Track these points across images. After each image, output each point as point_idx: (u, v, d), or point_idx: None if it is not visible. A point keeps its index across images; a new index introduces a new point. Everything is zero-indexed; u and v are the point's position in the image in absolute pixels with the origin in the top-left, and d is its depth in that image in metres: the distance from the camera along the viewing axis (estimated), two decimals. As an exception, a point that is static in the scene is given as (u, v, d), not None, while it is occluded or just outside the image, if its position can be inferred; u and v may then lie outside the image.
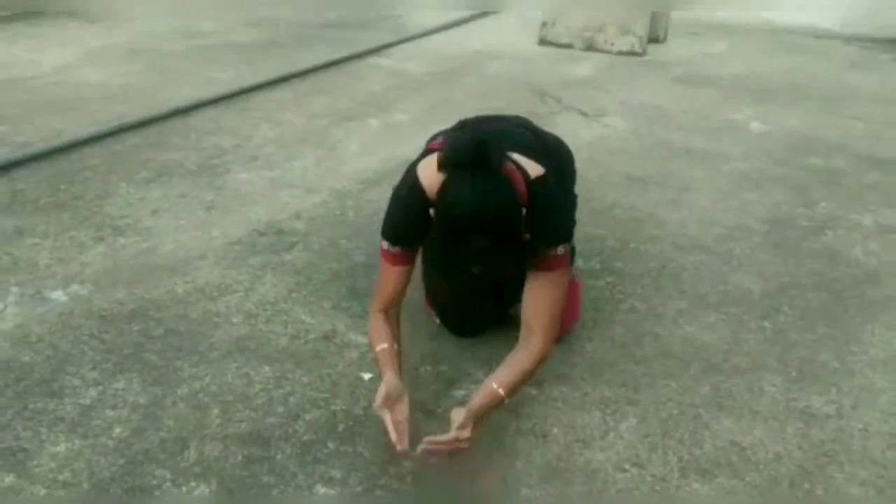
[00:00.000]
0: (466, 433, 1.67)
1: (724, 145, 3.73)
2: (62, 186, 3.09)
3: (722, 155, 3.61)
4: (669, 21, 5.72)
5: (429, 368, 2.06)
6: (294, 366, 2.06)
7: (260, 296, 2.38)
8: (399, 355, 1.86)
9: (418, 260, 1.99)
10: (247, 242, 2.71)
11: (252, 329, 2.21)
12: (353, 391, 1.97)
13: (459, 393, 1.97)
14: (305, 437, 1.80)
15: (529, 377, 1.82)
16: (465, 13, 6.03)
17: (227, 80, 4.48)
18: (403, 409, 1.74)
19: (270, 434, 1.81)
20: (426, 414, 1.89)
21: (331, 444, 1.79)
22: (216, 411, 1.87)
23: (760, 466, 1.77)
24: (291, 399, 1.93)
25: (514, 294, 2.02)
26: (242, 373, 2.02)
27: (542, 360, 1.82)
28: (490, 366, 2.01)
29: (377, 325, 1.89)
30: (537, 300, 1.82)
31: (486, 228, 1.61)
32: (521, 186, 1.73)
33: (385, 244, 1.90)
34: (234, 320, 2.25)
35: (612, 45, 5.19)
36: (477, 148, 1.63)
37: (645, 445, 1.82)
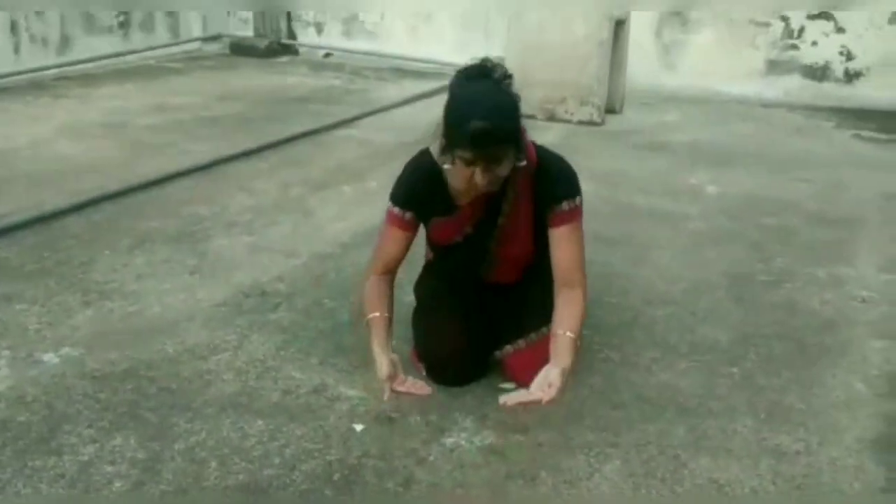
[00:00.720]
0: (558, 389, 1.87)
1: (684, 206, 3.93)
2: (46, 254, 3.14)
3: (682, 215, 3.81)
4: (625, 92, 6.03)
5: (418, 418, 2.13)
6: (287, 419, 2.11)
7: (249, 354, 2.44)
8: (390, 323, 2.10)
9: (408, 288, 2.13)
10: (232, 304, 2.78)
11: (244, 385, 2.27)
12: (346, 441, 2.03)
13: (449, 440, 2.04)
14: (303, 487, 1.86)
15: (583, 317, 2.08)
16: (434, 85, 6.27)
17: (202, 151, 4.59)
18: (401, 373, 2.00)
19: (268, 484, 1.86)
20: (418, 461, 1.96)
21: (328, 492, 1.84)
22: (214, 464, 1.92)
23: (738, 501, 1.86)
24: (287, 451, 1.98)
25: (510, 319, 2.24)
26: (237, 427, 2.07)
27: (582, 302, 2.08)
28: (478, 413, 2.10)
29: (373, 289, 2.11)
30: (565, 251, 2.08)
31: (487, 113, 1.84)
32: (531, 147, 2.05)
33: (395, 209, 2.10)
34: (226, 377, 2.31)
35: (571, 115, 5.45)
36: (481, 62, 1.94)
37: (629, 485, 1.91)
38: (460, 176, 1.96)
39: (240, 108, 5.85)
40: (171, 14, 8.10)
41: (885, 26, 6.17)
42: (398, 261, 2.17)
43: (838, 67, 6.42)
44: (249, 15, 8.48)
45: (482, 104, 1.87)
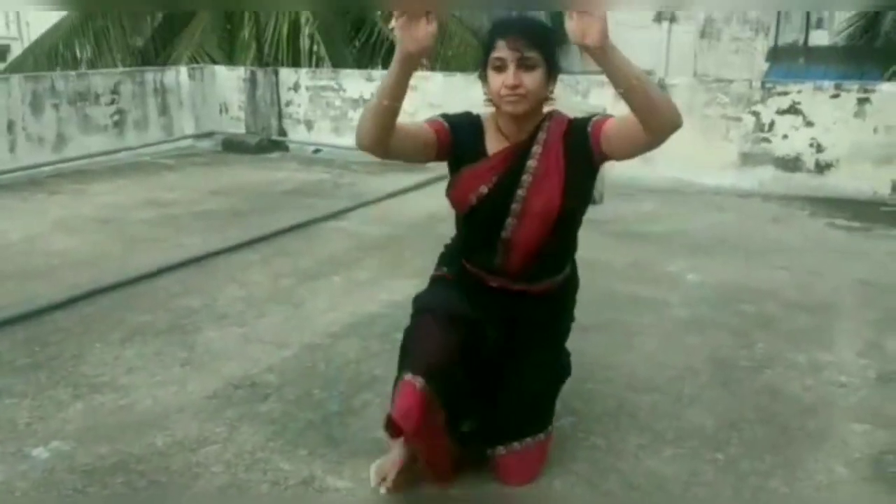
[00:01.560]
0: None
1: (664, 294, 4.02)
2: (37, 348, 3.18)
3: (663, 302, 3.89)
4: (604, 184, 6.21)
5: (407, 508, 2.15)
6: (277, 511, 2.13)
7: (238, 446, 2.46)
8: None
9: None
10: (222, 396, 2.81)
11: (233, 478, 2.28)
12: (337, 533, 2.04)
13: (439, 530, 2.06)
14: (293, 579, 1.86)
15: (664, 98, 1.88)
16: (420, 178, 6.44)
17: (194, 245, 4.68)
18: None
19: (258, 577, 1.86)
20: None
21: (318, 584, 1.84)
22: (203, 557, 1.92)
23: (726, 587, 1.88)
24: (277, 543, 1.99)
25: (508, 411, 2.18)
26: (227, 520, 2.08)
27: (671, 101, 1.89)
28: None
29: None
30: (625, 120, 1.95)
31: (519, 18, 2.01)
32: (563, 121, 2.13)
33: (438, 117, 2.16)
34: (215, 469, 2.32)
35: (555, 206, 5.60)
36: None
37: (618, 572, 1.92)
38: (495, 83, 2.01)
39: (231, 203, 5.98)
40: (165, 113, 8.35)
41: (851, 120, 6.44)
42: (405, 133, 2.05)
43: (809, 159, 6.66)
44: (241, 113, 8.75)
45: (516, 16, 2.08)
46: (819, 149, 6.62)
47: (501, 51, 1.98)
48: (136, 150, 7.86)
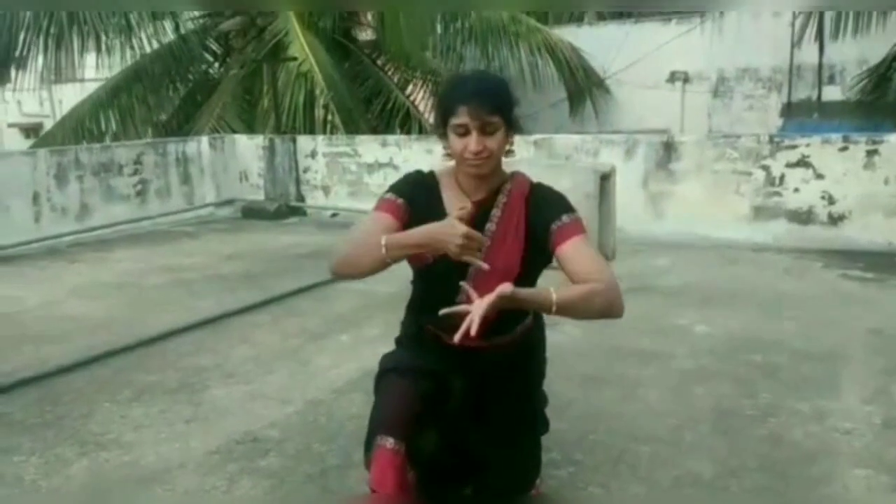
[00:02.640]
0: (505, 293, 1.74)
1: (671, 346, 4.01)
2: (48, 408, 3.25)
3: (669, 354, 3.89)
4: (616, 241, 6.26)
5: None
6: (269, 562, 2.14)
7: (236, 499, 2.49)
8: None
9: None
10: (224, 451, 2.84)
11: (229, 530, 2.31)
12: (327, 582, 2.04)
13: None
14: None
15: (587, 299, 1.85)
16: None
17: (207, 307, 4.77)
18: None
19: None
20: None
21: None
22: None
23: None
24: (267, 593, 2.00)
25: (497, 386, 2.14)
26: (219, 570, 2.09)
27: (600, 292, 1.86)
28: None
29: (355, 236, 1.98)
30: (579, 262, 1.92)
31: (478, 81, 1.99)
32: (524, 176, 2.10)
33: (388, 195, 2.06)
34: (212, 522, 2.35)
35: (564, 263, 5.64)
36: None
37: None
38: (458, 147, 1.97)
39: (246, 266, 6.10)
40: (187, 182, 8.59)
41: (861, 171, 6.46)
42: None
43: (822, 211, 6.66)
44: (261, 180, 8.98)
45: (473, 77, 2.05)
46: (831, 201, 6.63)
47: (463, 117, 1.94)
48: (157, 218, 8.07)
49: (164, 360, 3.87)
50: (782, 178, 6.78)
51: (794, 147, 6.74)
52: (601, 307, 1.88)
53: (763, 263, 6.07)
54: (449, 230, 1.79)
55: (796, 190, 6.75)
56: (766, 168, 6.84)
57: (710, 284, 5.39)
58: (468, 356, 2.15)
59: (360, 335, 4.23)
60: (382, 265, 1.90)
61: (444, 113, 2.01)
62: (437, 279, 2.06)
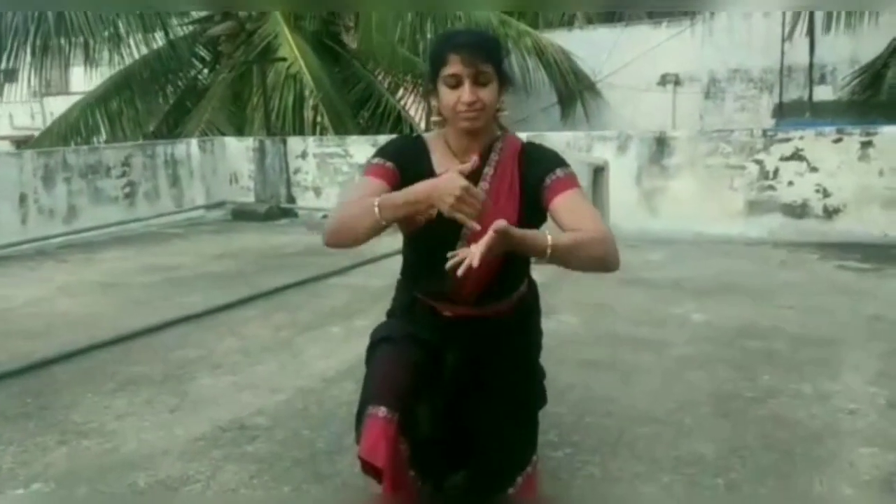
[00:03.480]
0: (500, 228, 1.61)
1: (668, 334, 3.94)
2: (29, 399, 3.15)
3: (667, 342, 3.81)
4: (610, 235, 6.19)
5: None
6: (255, 544, 2.05)
7: (221, 485, 2.40)
8: None
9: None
10: (209, 438, 2.75)
11: (213, 514, 2.22)
12: (315, 563, 1.96)
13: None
14: None
15: (584, 245, 1.76)
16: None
17: (195, 303, 4.68)
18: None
19: None
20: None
21: None
22: (175, 590, 1.85)
23: None
24: (252, 574, 1.91)
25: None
26: (203, 553, 2.00)
27: (598, 240, 1.78)
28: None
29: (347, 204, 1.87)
30: (574, 214, 1.85)
31: (468, 31, 1.96)
32: (517, 141, 2.02)
33: (375, 160, 1.96)
34: (196, 507, 2.25)
35: (558, 257, 5.57)
36: None
37: None
38: (449, 99, 1.89)
39: (236, 265, 6.01)
40: (176, 185, 8.50)
41: (855, 163, 6.41)
42: None
43: (817, 205, 6.61)
44: (251, 182, 8.89)
45: (463, 30, 2.07)
46: (826, 194, 6.58)
47: (455, 66, 1.87)
48: (145, 220, 7.97)
49: (149, 353, 3.78)
50: (776, 171, 6.74)
51: (787, 140, 6.70)
52: (597, 256, 1.80)
53: (758, 256, 6.01)
54: (448, 183, 1.69)
55: (790, 183, 6.70)
56: (759, 162, 6.79)
57: (705, 277, 5.33)
58: (463, 325, 2.09)
59: (352, 327, 4.14)
60: (377, 229, 1.80)
61: (435, 65, 1.93)
62: (429, 245, 1.96)
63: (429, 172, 1.96)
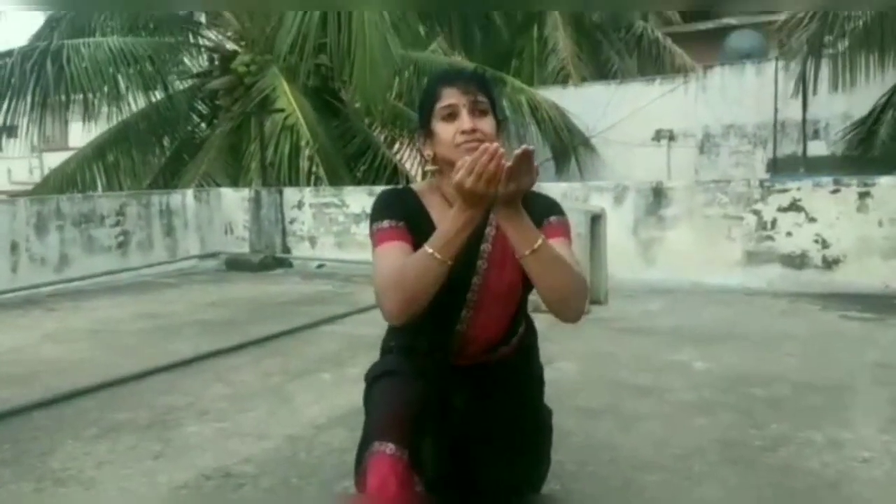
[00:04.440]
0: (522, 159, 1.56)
1: (670, 381, 3.83)
2: (7, 446, 3.01)
3: (668, 389, 3.69)
4: (608, 284, 6.11)
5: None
6: None
7: (204, 534, 2.26)
8: None
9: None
10: (193, 486, 2.62)
11: (194, 565, 2.08)
12: None
13: None
14: None
15: (564, 270, 1.69)
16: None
17: (185, 350, 4.55)
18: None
19: None
20: None
21: None
22: None
23: None
24: None
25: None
26: None
27: (575, 279, 1.70)
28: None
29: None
30: None
31: (469, 71, 1.87)
32: None
33: (384, 223, 1.82)
34: (175, 557, 2.11)
35: (556, 305, 5.48)
36: None
37: None
38: (447, 133, 1.80)
39: (227, 313, 5.90)
40: (170, 234, 8.43)
41: (854, 214, 6.39)
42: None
43: (816, 255, 6.56)
44: (246, 233, 8.83)
45: (455, 67, 1.95)
46: (825, 245, 6.54)
47: (450, 97, 1.80)
48: (138, 270, 7.87)
49: (134, 400, 3.64)
50: (774, 222, 6.71)
51: (785, 191, 6.69)
52: (569, 289, 1.71)
53: (758, 306, 5.93)
54: (468, 180, 1.58)
55: (789, 234, 6.66)
56: (757, 212, 6.77)
57: (705, 325, 5.23)
58: (470, 371, 2.00)
59: (344, 374, 4.02)
60: (444, 272, 1.68)
61: (428, 104, 1.85)
62: (432, 309, 1.76)
63: (429, 227, 1.81)
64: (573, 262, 1.78)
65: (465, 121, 1.80)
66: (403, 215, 1.86)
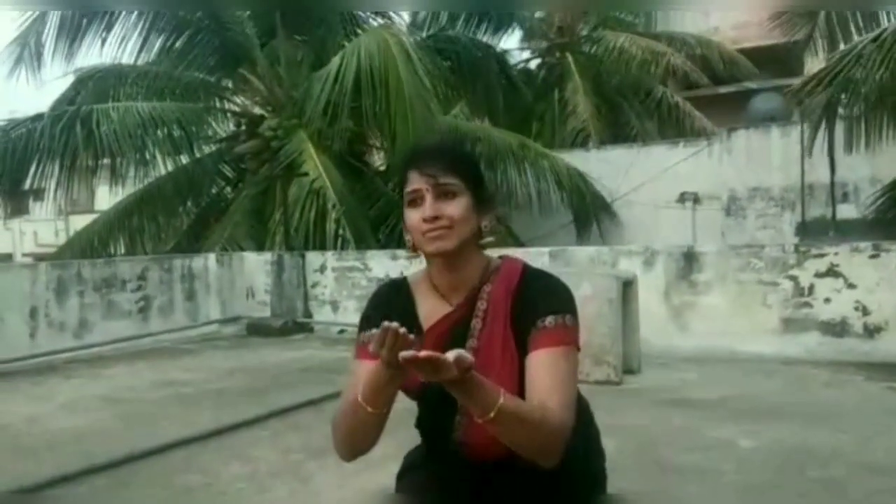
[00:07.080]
0: (447, 365, 1.31)
1: (715, 461, 3.59)
2: (10, 529, 2.84)
3: (715, 470, 3.46)
4: (641, 352, 5.90)
5: None
6: None
7: None
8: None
9: None
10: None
11: None
12: None
13: None
14: None
15: (529, 423, 1.44)
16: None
17: (203, 422, 4.39)
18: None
19: None
20: None
21: None
22: None
23: None
24: None
25: None
26: None
27: (542, 430, 1.45)
28: None
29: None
30: (539, 380, 1.52)
31: (434, 143, 1.71)
32: (518, 262, 1.69)
33: (363, 336, 1.65)
34: None
35: (587, 375, 5.27)
36: None
37: None
38: (413, 220, 1.61)
39: (248, 381, 5.74)
40: (192, 299, 8.35)
41: (895, 280, 6.16)
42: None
43: (856, 323, 6.31)
44: (268, 297, 8.73)
45: (428, 144, 1.77)
46: (865, 311, 6.29)
47: (414, 182, 1.61)
48: (158, 335, 7.76)
49: (151, 478, 3.49)
50: (811, 288, 6.48)
51: (822, 256, 6.48)
52: (535, 444, 1.48)
53: (799, 377, 5.67)
54: (384, 332, 1.38)
55: (827, 300, 6.43)
56: (793, 278, 6.55)
57: (746, 397, 4.99)
58: (496, 472, 1.70)
59: (369, 454, 3.81)
60: (379, 420, 1.55)
61: (401, 185, 1.67)
62: (430, 410, 1.71)
63: (412, 322, 1.63)
64: (559, 384, 1.53)
65: (427, 207, 1.60)
66: (384, 318, 1.55)
